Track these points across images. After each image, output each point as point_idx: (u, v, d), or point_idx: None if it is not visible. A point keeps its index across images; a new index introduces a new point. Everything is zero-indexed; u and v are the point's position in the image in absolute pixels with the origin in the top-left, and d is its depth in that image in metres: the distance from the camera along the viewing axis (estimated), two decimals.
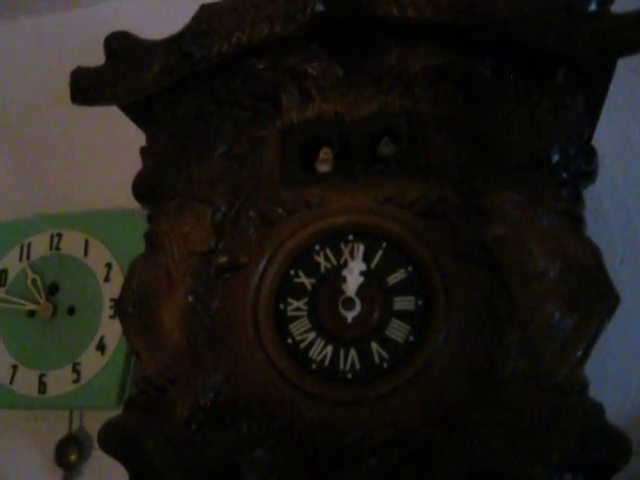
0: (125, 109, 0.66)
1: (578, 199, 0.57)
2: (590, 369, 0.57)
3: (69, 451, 0.83)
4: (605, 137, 0.74)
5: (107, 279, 0.81)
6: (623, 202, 0.73)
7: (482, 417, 0.53)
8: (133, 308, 0.61)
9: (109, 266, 0.81)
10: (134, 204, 0.67)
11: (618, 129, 0.76)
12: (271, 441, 0.56)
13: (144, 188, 0.65)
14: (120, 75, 0.64)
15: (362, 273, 0.58)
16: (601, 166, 0.69)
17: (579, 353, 0.52)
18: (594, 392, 0.53)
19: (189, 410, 0.58)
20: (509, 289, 0.55)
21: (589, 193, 0.69)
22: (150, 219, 0.64)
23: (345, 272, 0.58)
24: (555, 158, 0.56)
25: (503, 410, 0.53)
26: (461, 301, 0.56)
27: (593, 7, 0.55)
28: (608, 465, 0.51)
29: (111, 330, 0.78)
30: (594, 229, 0.61)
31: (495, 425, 0.53)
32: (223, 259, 0.61)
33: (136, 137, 0.67)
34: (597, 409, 0.52)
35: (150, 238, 0.63)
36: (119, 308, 0.62)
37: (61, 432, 0.84)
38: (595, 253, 0.55)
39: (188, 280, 0.60)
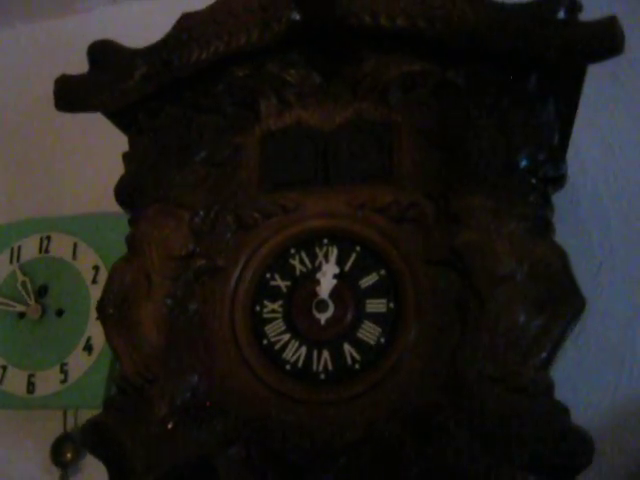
0: (109, 115, 0.67)
1: (547, 204, 0.58)
2: (568, 371, 0.58)
3: (65, 450, 0.85)
4: (585, 144, 0.75)
5: (94, 281, 0.83)
6: (602, 208, 0.74)
7: (449, 418, 0.54)
8: (113, 309, 0.62)
9: (97, 269, 0.83)
10: (120, 209, 0.68)
11: (598, 136, 0.77)
12: (245, 439, 0.58)
13: (125, 193, 0.66)
14: (103, 83, 0.65)
15: (335, 276, 0.59)
16: (581, 172, 0.70)
17: (544, 355, 0.53)
18: (572, 393, 0.53)
19: (166, 409, 0.59)
20: (477, 293, 0.56)
21: (568, 199, 0.70)
22: (131, 223, 0.65)
23: (319, 275, 0.59)
24: (524, 163, 0.57)
25: (470, 411, 0.54)
26: (431, 304, 0.57)
27: (562, 15, 0.56)
28: (572, 466, 0.52)
29: (98, 331, 0.79)
30: (573, 234, 0.62)
31: (462, 426, 0.53)
32: (201, 262, 0.62)
33: (125, 143, 0.69)
34: (562, 410, 0.53)
35: (130, 242, 0.64)
36: (100, 309, 0.63)
37: (55, 431, 0.85)
38: (562, 257, 0.56)
39: (167, 283, 0.62)
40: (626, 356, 0.68)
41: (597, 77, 0.60)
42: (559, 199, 0.62)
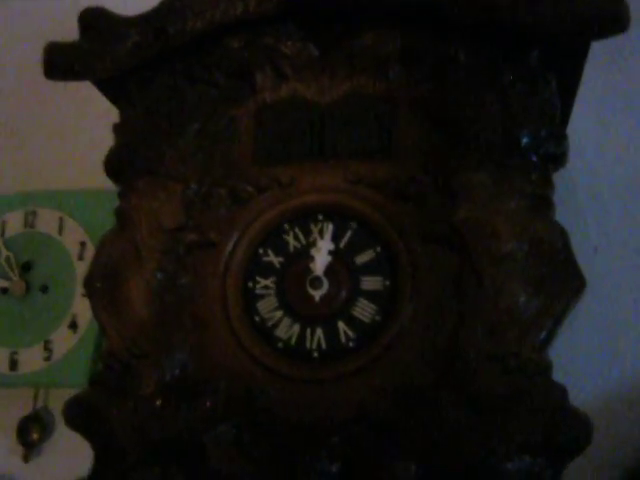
0: (99, 85, 0.65)
1: (547, 182, 0.57)
2: (561, 355, 0.57)
3: (31, 429, 0.83)
4: (582, 126, 0.74)
5: (81, 258, 0.81)
6: (598, 191, 0.74)
7: (445, 398, 0.53)
8: (101, 283, 0.61)
9: (83, 245, 0.81)
10: (109, 184, 0.66)
11: (595, 118, 0.76)
12: (235, 417, 0.56)
13: (115, 164, 0.64)
14: (94, 50, 0.63)
15: (330, 253, 0.58)
16: (578, 155, 0.69)
17: (543, 335, 0.52)
18: (565, 377, 0.53)
19: (154, 385, 0.58)
20: (476, 270, 0.55)
21: (564, 182, 0.69)
22: (120, 196, 0.64)
23: (313, 251, 0.58)
24: (525, 140, 0.56)
25: (466, 391, 0.53)
26: (428, 282, 0.56)
27: None
28: (569, 447, 0.51)
29: (83, 308, 0.77)
30: (569, 217, 0.61)
31: (458, 405, 0.52)
32: (193, 236, 0.61)
33: (114, 116, 0.67)
34: (560, 391, 0.52)
35: (120, 214, 0.63)
36: (87, 283, 0.62)
37: (25, 410, 0.83)
38: (563, 236, 0.55)
39: (157, 257, 0.60)
40: (620, 341, 0.68)
41: (595, 57, 0.59)
42: (556, 181, 0.61)
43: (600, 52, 0.75)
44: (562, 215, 0.58)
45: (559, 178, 0.61)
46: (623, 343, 0.68)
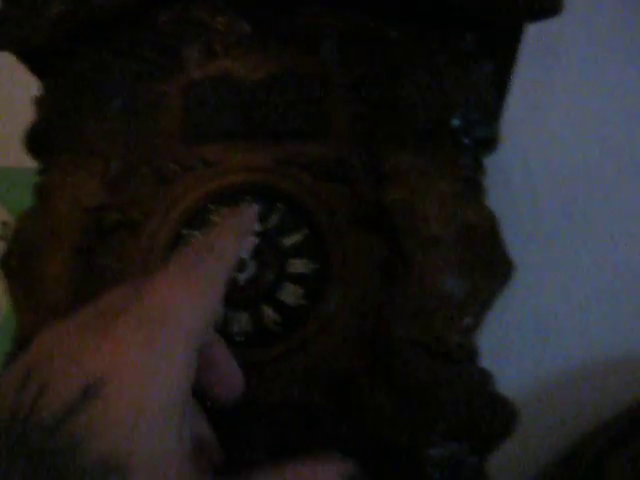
0: (21, 56, 0.62)
1: (479, 166, 0.56)
2: (491, 345, 0.56)
3: None
4: (517, 115, 0.74)
5: (2, 238, 0.77)
6: (532, 180, 0.73)
7: (371, 384, 0.52)
8: (17, 262, 0.58)
9: (5, 224, 0.77)
10: (33, 162, 0.63)
11: (530, 107, 0.76)
12: None
13: (36, 140, 0.62)
14: (14, 19, 0.60)
15: (257, 234, 0.56)
16: (512, 143, 0.69)
17: (469, 320, 0.52)
18: (494, 366, 0.52)
19: None
20: (404, 254, 0.53)
21: (498, 169, 0.69)
22: (41, 172, 0.61)
23: None
24: (456, 122, 0.55)
25: (392, 377, 0.52)
26: (357, 266, 0.55)
27: None
28: (495, 433, 0.50)
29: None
30: (502, 205, 0.60)
31: (383, 392, 0.51)
32: (114, 216, 0.58)
33: (36, 89, 0.64)
34: (485, 377, 0.51)
35: (39, 191, 0.60)
36: (4, 262, 0.59)
37: None
38: (492, 220, 0.54)
39: (76, 236, 0.58)
40: (551, 331, 0.67)
41: (529, 45, 0.58)
42: (490, 167, 0.60)
43: (536, 42, 0.75)
44: (496, 203, 0.57)
45: (494, 166, 0.61)
46: (553, 333, 0.68)
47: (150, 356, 0.35)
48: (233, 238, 0.47)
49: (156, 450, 0.34)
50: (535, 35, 0.57)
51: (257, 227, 0.55)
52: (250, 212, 0.51)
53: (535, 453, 0.64)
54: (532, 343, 0.68)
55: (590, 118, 0.76)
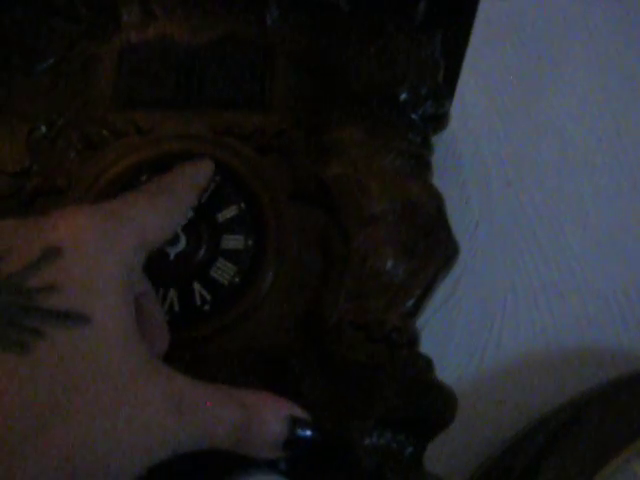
0: None
1: (426, 143, 0.54)
2: (436, 332, 0.54)
3: None
4: (469, 96, 0.72)
5: None
6: (483, 164, 0.71)
7: (303, 366, 0.48)
8: None
9: None
10: None
11: (482, 89, 0.74)
12: None
13: None
14: None
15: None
16: (464, 126, 0.66)
17: (410, 302, 0.49)
18: (438, 356, 0.49)
19: None
20: (344, 232, 0.51)
21: (450, 154, 0.66)
22: None
23: None
24: (403, 96, 0.53)
25: (326, 359, 0.49)
26: (293, 242, 0.52)
27: None
28: (433, 422, 0.47)
29: None
30: (451, 190, 0.58)
31: (316, 375, 0.48)
32: (37, 181, 0.54)
33: None
34: (425, 363, 0.48)
35: None
36: None
37: None
38: (438, 200, 0.51)
39: None
40: (496, 319, 0.65)
41: (485, 28, 0.56)
42: (440, 150, 0.58)
43: (492, 23, 0.73)
44: (445, 187, 0.55)
45: (444, 147, 0.58)
46: (499, 321, 0.66)
47: (104, 234, 0.37)
48: (190, 183, 0.48)
49: (112, 307, 0.35)
50: (492, 19, 0.55)
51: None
52: (207, 164, 0.51)
53: (473, 445, 0.62)
54: (476, 336, 0.66)
55: (543, 104, 0.74)
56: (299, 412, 0.43)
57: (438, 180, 0.55)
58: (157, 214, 0.42)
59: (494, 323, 0.66)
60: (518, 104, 0.74)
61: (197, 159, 0.51)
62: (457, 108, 0.61)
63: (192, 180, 0.48)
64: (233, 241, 0.53)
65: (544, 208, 0.70)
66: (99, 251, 0.36)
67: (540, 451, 0.56)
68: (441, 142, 0.62)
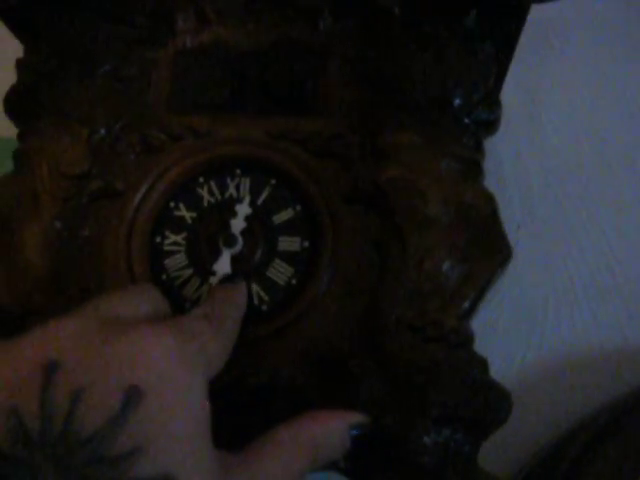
0: (3, 15, 0.59)
1: (479, 147, 0.55)
2: (479, 332, 0.55)
3: None
4: (512, 103, 0.73)
5: None
6: (525, 169, 0.72)
7: (361, 366, 0.50)
8: None
9: None
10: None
11: (525, 96, 0.75)
12: None
13: (17, 103, 0.59)
14: None
15: (248, 218, 0.54)
16: (506, 131, 0.67)
17: (467, 304, 0.50)
18: (482, 355, 0.51)
19: None
20: (400, 234, 0.52)
21: (491, 156, 0.67)
22: (20, 137, 0.58)
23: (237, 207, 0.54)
24: (457, 102, 0.54)
25: (384, 360, 0.50)
26: (349, 245, 0.53)
27: None
28: (489, 420, 0.48)
29: None
30: (494, 192, 0.59)
31: (374, 375, 0.49)
32: (97, 184, 0.56)
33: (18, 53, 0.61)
34: (481, 363, 0.50)
35: (18, 157, 0.57)
36: None
37: None
38: (491, 203, 0.52)
39: (57, 204, 0.55)
40: (538, 319, 0.66)
41: (530, 36, 0.57)
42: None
43: (534, 30, 0.73)
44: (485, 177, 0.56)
45: (486, 150, 0.59)
46: (541, 320, 0.67)
47: (187, 371, 0.35)
48: (234, 309, 0.48)
49: (199, 464, 0.33)
50: (529, 23, 0.55)
51: (248, 210, 0.54)
52: (241, 288, 0.51)
53: (514, 446, 0.63)
54: (518, 335, 0.67)
55: (585, 108, 0.74)
56: (356, 418, 0.44)
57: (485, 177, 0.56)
58: (218, 344, 0.41)
59: (536, 324, 0.67)
60: (558, 106, 0.75)
61: (232, 285, 0.51)
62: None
63: (239, 311, 0.49)
64: (289, 243, 0.54)
65: (584, 209, 0.71)
66: (179, 391, 0.33)
67: (580, 455, 0.57)
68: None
